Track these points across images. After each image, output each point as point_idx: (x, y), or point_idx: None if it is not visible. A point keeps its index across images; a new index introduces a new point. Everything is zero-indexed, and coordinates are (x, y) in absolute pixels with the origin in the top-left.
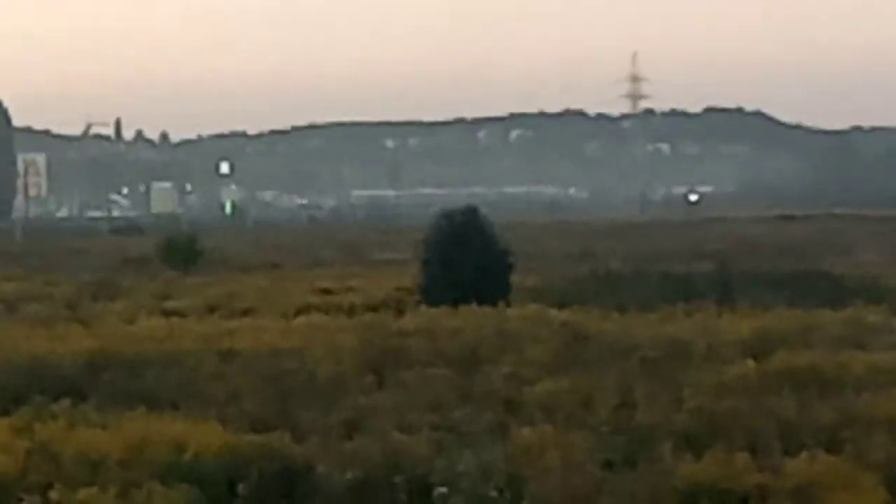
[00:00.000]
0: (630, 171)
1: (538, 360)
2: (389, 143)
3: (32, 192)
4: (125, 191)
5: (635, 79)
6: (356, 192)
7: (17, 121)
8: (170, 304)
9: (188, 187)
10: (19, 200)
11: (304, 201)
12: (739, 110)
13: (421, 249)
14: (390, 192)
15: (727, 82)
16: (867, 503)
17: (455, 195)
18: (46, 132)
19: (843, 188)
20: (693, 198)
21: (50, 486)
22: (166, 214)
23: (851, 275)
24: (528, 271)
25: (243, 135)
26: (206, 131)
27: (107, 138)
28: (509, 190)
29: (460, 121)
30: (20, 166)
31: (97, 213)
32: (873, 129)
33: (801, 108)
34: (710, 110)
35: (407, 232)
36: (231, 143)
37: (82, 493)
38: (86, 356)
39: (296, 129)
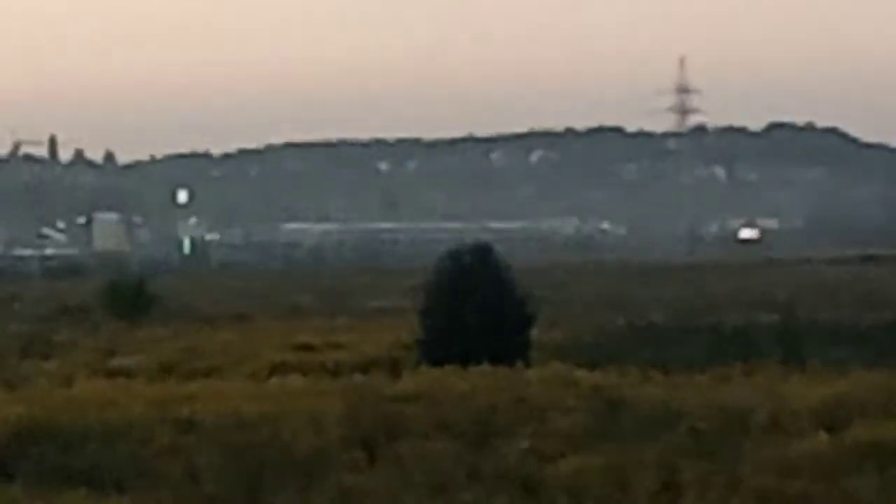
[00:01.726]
0: (677, 201)
1: (563, 431)
2: (383, 167)
3: None
4: (61, 224)
5: (683, 89)
6: (341, 226)
7: None
8: (115, 363)
9: (138, 220)
10: None
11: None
12: (810, 127)
13: (422, 296)
14: (384, 226)
15: (795, 94)
16: None
17: (463, 230)
18: None
19: None
20: (746, 234)
21: None
22: (112, 253)
23: None
24: (551, 323)
25: (206, 155)
26: (161, 151)
27: (39, 160)
28: (529, 224)
29: (469, 139)
30: None
31: (27, 251)
32: None
33: (886, 125)
34: (774, 127)
35: (405, 274)
36: (191, 165)
37: None
38: (12, 426)
39: (270, 148)
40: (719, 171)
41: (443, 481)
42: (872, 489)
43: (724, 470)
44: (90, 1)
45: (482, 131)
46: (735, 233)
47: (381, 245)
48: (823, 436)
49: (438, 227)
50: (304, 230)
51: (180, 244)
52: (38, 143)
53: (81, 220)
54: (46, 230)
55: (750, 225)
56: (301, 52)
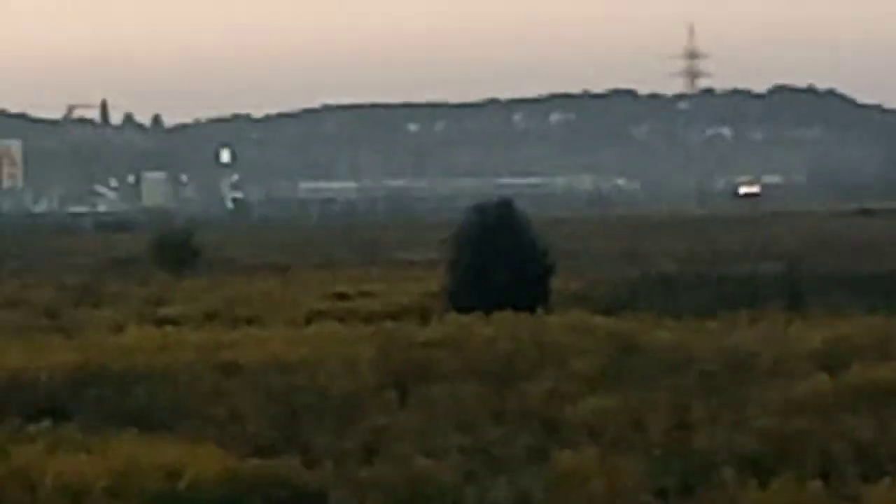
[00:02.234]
0: (686, 160)
1: (582, 374)
2: (413, 128)
3: (6, 183)
4: (112, 182)
5: (692, 54)
6: (374, 183)
7: None
8: (163, 312)
9: (184, 178)
10: None
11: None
12: (811, 89)
13: (449, 248)
14: (414, 183)
15: (797, 58)
16: None
17: (488, 186)
18: (23, 116)
19: None
20: (745, 190)
21: None
22: (159, 209)
23: None
24: (570, 274)
25: (247, 118)
26: (205, 114)
27: (91, 122)
28: (549, 181)
29: (493, 102)
30: None
31: (80, 208)
32: None
33: (881, 87)
34: (777, 89)
35: (433, 228)
36: (233, 127)
37: None
38: (68, 371)
39: (306, 111)
40: (726, 131)
41: (469, 421)
42: (869, 427)
43: (732, 409)
44: None
45: (505, 94)
46: (734, 189)
47: (410, 201)
48: (823, 377)
49: (464, 183)
50: (338, 187)
51: (223, 200)
52: (90, 107)
53: (131, 178)
54: (98, 188)
55: (750, 181)
56: (335, 21)
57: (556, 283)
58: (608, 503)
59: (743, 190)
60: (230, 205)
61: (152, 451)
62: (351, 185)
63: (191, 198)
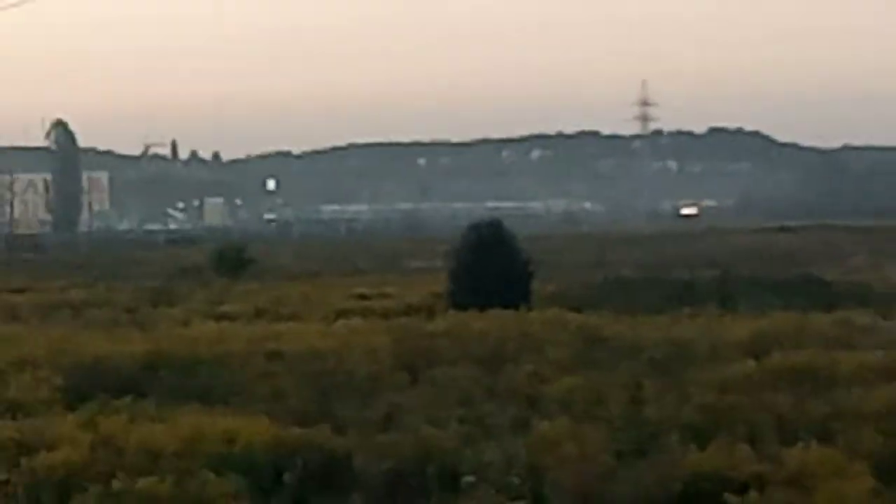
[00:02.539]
0: (640, 187)
1: (557, 359)
2: (421, 162)
3: (96, 206)
4: (180, 205)
5: (644, 103)
6: (390, 206)
7: (82, 142)
8: (221, 309)
9: (238, 202)
10: (84, 215)
11: (273, 216)
12: (740, 131)
13: (450, 259)
14: (421, 206)
15: (729, 104)
16: (856, 489)
17: (480, 209)
18: (109, 152)
19: (832, 201)
20: (686, 211)
21: (112, 475)
22: (218, 227)
23: (841, 280)
24: (547, 278)
25: (288, 154)
26: (254, 151)
27: (164, 158)
28: (529, 204)
29: (485, 141)
30: (85, 183)
31: (155, 226)
32: (862, 148)
33: (795, 128)
34: (713, 130)
35: (437, 242)
36: (277, 161)
37: (142, 483)
38: (144, 357)
39: (335, 148)
40: (672, 165)
41: (466, 397)
42: (786, 402)
43: (676, 388)
44: (200, 33)
45: (494, 135)
46: (676, 210)
47: (418, 220)
48: (750, 362)
49: (462, 206)
50: (362, 210)
51: (269, 221)
52: (162, 145)
53: (195, 203)
54: (169, 211)
55: (691, 205)
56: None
57: (535, 285)
58: (576, 462)
59: (684, 211)
60: (274, 224)
61: (212, 421)
62: (364, 207)
63: (243, 218)
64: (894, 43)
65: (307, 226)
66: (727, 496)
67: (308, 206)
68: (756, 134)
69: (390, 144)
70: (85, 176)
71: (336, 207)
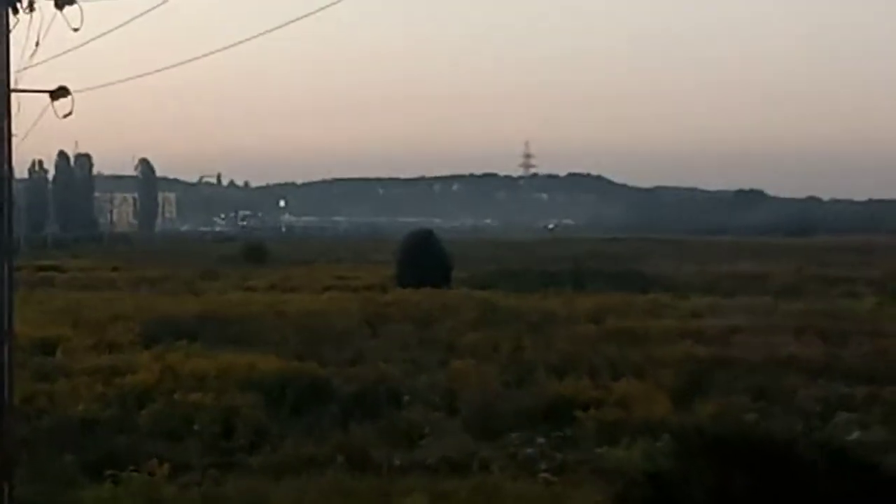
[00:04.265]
0: (523, 211)
1: (466, 320)
2: (381, 191)
3: (167, 215)
4: (223, 216)
5: (527, 155)
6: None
7: (159, 172)
8: (248, 283)
9: (260, 214)
10: (158, 221)
11: (244, 223)
12: (589, 174)
13: (398, 253)
14: (381, 220)
15: (582, 155)
16: (659, 409)
17: (420, 223)
18: (176, 180)
19: (649, 223)
20: (550, 226)
21: (173, 391)
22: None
23: (653, 273)
24: (461, 268)
25: (293, 184)
26: (272, 181)
27: (212, 184)
28: (452, 222)
29: (423, 178)
30: (160, 200)
31: (205, 229)
32: (670, 187)
33: (626, 172)
34: (571, 174)
35: (390, 244)
36: (287, 188)
37: (192, 397)
38: (196, 314)
39: (325, 181)
40: (545, 196)
41: (407, 344)
42: (616, 352)
43: (544, 341)
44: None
45: (429, 174)
46: (545, 226)
47: (378, 229)
48: (592, 325)
49: (406, 222)
50: (340, 220)
51: (280, 227)
52: (212, 176)
53: (232, 214)
54: (216, 219)
55: (552, 222)
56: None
57: (454, 273)
58: (478, 388)
59: (549, 226)
60: (284, 229)
61: (240, 357)
62: (343, 219)
63: (262, 226)
64: (695, 107)
65: (307, 231)
66: (576, 412)
67: (306, 217)
68: (599, 177)
69: (361, 179)
70: (160, 195)
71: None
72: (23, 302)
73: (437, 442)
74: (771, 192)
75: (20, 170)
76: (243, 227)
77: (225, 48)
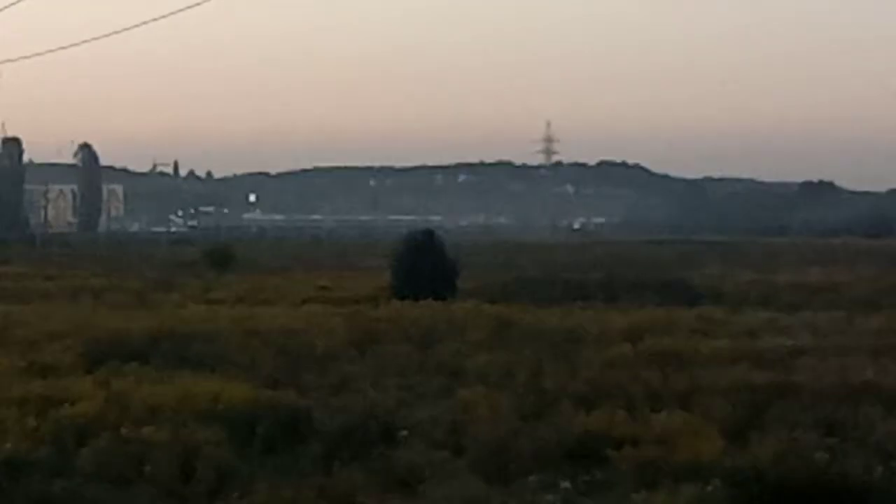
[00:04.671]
0: (543, 207)
1: (475, 340)
2: (372, 183)
3: (113, 212)
4: (180, 213)
5: (548, 139)
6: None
7: (103, 160)
8: (210, 295)
9: (225, 211)
10: (103, 219)
11: (194, 222)
12: (624, 163)
13: (392, 259)
14: (371, 218)
15: (616, 141)
16: (709, 447)
17: (418, 222)
18: (124, 169)
19: (695, 222)
20: (576, 225)
21: (121, 424)
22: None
23: (700, 283)
24: (469, 277)
25: (266, 174)
26: (239, 171)
27: (167, 174)
28: (458, 220)
29: (422, 167)
30: (104, 194)
31: (159, 229)
32: (718, 179)
33: (668, 161)
34: (602, 163)
35: (383, 246)
36: (257, 179)
37: (144, 431)
38: (148, 331)
39: (304, 170)
40: (569, 189)
41: (403, 369)
42: (656, 377)
43: (569, 365)
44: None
45: (430, 162)
46: (570, 225)
47: (369, 229)
48: (627, 345)
49: (403, 219)
50: (322, 219)
51: (248, 226)
52: (167, 165)
53: (191, 211)
54: (172, 217)
55: (579, 220)
56: (323, 108)
57: (460, 282)
58: (489, 422)
59: (575, 226)
60: (254, 229)
61: (201, 383)
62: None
63: (229, 225)
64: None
65: (282, 231)
66: (608, 451)
67: (281, 215)
68: (637, 166)
69: (347, 168)
70: (105, 188)
71: (302, 217)
72: None
73: (440, 487)
74: (843, 184)
75: None
76: (192, 227)
77: (182, 9)
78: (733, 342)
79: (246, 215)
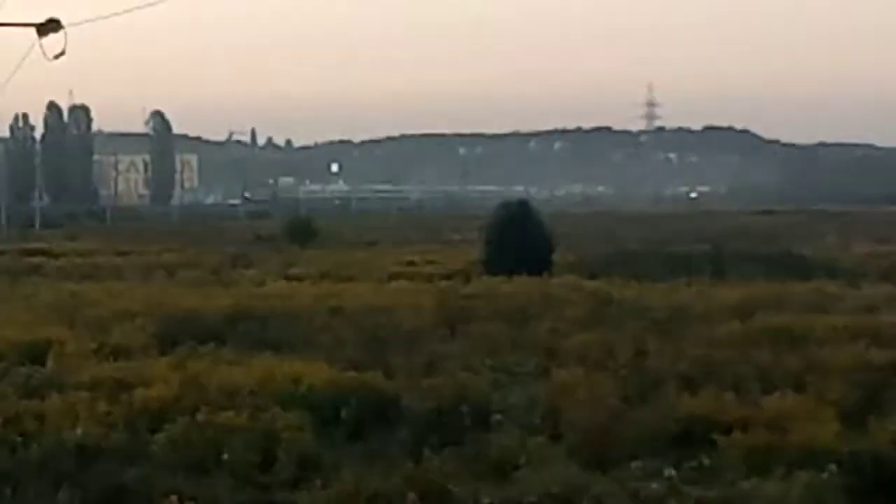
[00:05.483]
0: (645, 175)
1: (573, 318)
2: (461, 151)
3: (187, 184)
4: (259, 185)
5: (650, 104)
6: (435, 188)
7: (176, 129)
8: (291, 271)
9: (307, 182)
10: (176, 190)
11: (248, 195)
12: (731, 128)
13: (484, 232)
14: (461, 188)
15: (722, 105)
16: (824, 431)
17: (510, 192)
18: (198, 138)
19: (808, 190)
20: (693, 195)
21: (197, 409)
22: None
23: (815, 256)
24: (566, 250)
25: (350, 142)
26: (321, 139)
27: (244, 143)
28: (553, 188)
29: (515, 134)
30: (177, 164)
31: (236, 201)
32: (833, 144)
33: (778, 127)
34: (708, 128)
35: (474, 219)
36: (340, 148)
37: (222, 416)
38: (225, 311)
39: (389, 138)
40: (672, 156)
41: (496, 348)
42: (767, 356)
43: (674, 344)
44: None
45: (523, 129)
46: (686, 195)
47: (458, 200)
48: (736, 322)
49: (495, 189)
50: (410, 189)
51: (333, 198)
52: (244, 133)
53: (271, 182)
54: (246, 195)
55: (692, 190)
56: (409, 73)
57: (556, 256)
58: (589, 405)
59: (693, 195)
60: (337, 200)
61: (281, 365)
62: (413, 188)
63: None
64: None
65: (367, 203)
66: (716, 436)
67: (369, 186)
68: (745, 131)
69: (435, 135)
70: (178, 157)
71: (389, 187)
72: (4, 297)
73: (536, 474)
74: None
75: (0, 127)
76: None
77: None
78: (851, 318)
79: (329, 186)
